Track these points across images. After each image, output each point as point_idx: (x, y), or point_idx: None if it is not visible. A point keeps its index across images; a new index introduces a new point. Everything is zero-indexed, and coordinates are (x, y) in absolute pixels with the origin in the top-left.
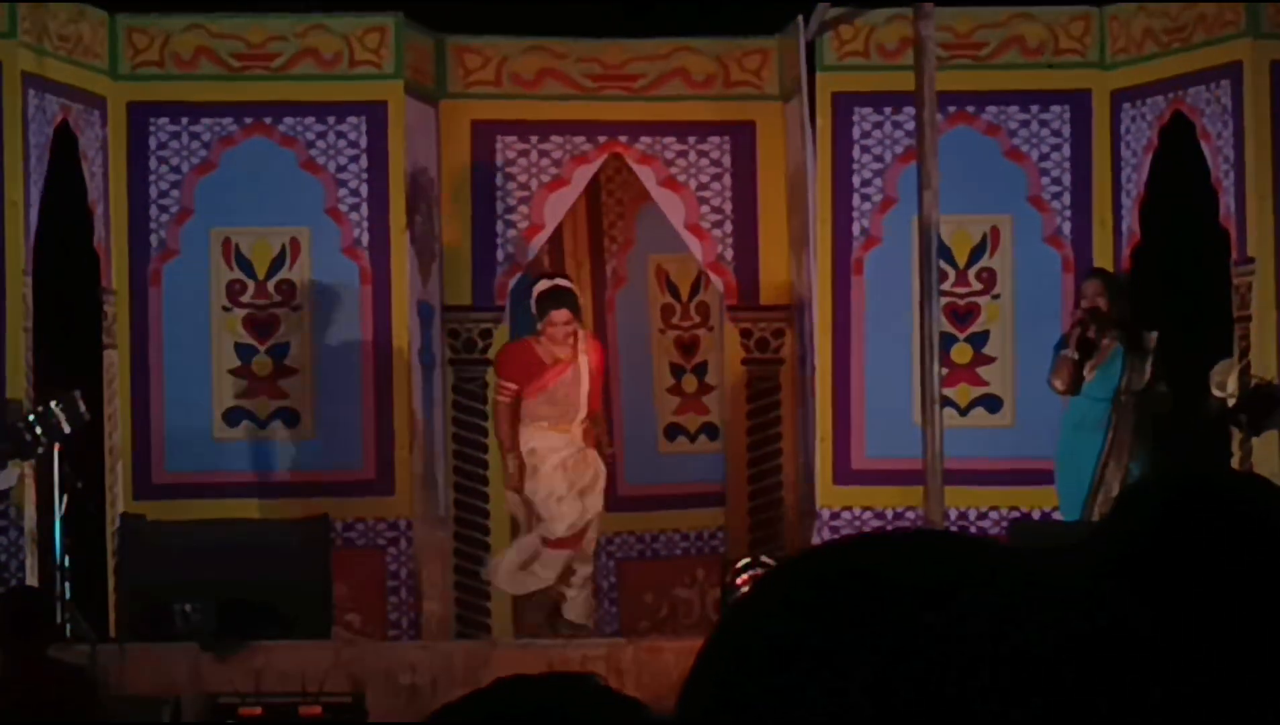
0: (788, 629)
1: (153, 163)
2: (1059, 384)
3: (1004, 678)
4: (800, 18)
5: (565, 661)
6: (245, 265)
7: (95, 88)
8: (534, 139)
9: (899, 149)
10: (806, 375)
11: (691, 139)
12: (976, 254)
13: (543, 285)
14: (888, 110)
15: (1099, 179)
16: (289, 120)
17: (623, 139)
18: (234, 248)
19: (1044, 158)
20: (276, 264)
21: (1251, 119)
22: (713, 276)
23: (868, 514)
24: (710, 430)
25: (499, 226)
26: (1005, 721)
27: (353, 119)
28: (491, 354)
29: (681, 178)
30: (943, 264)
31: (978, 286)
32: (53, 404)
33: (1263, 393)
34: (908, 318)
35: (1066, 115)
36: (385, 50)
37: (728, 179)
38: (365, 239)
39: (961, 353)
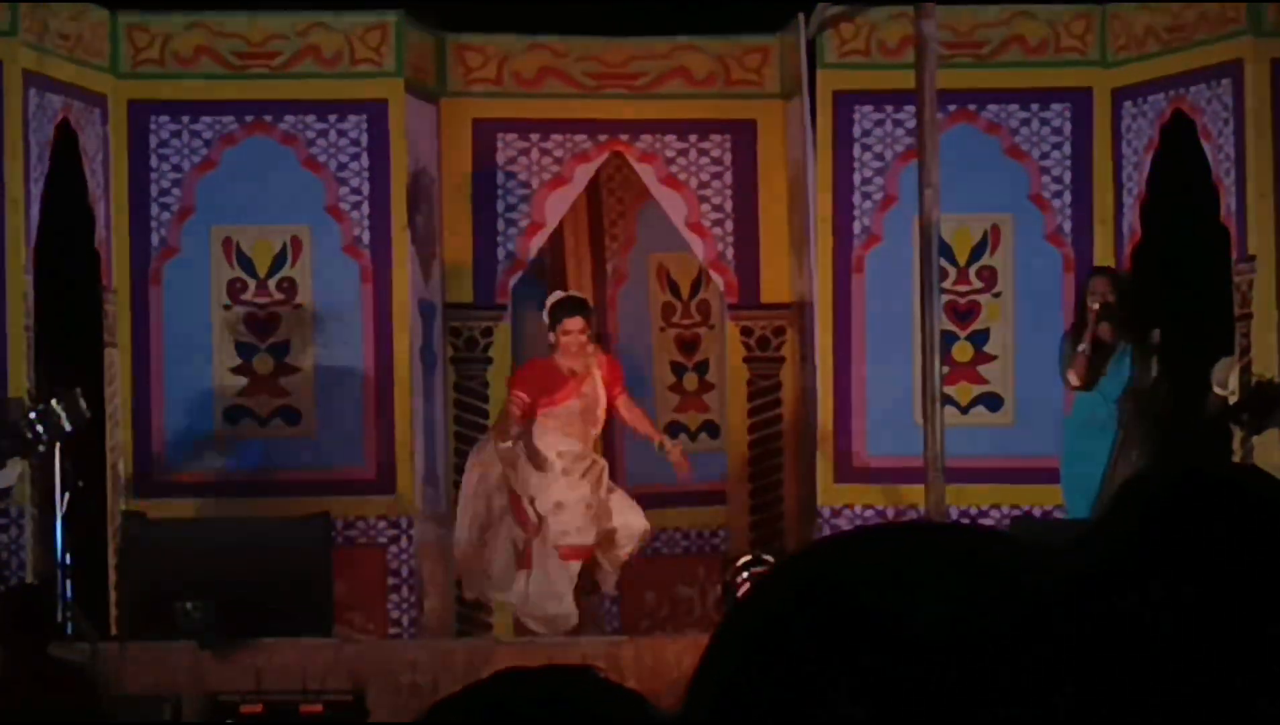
0: (791, 626)
1: (154, 161)
2: (1075, 379)
3: (1003, 675)
4: (801, 16)
5: (566, 660)
6: (246, 263)
7: (96, 86)
8: (535, 137)
9: (900, 147)
10: (807, 373)
11: (692, 137)
12: (977, 252)
13: (556, 295)
14: (889, 108)
15: (1100, 177)
16: (290, 118)
17: (624, 137)
18: (235, 246)
19: (1045, 156)
20: (277, 262)
21: (1252, 117)
22: (713, 275)
23: (869, 512)
24: (711, 428)
25: (500, 225)
26: (1003, 718)
27: (354, 117)
28: (493, 353)
29: (682, 176)
30: (943, 262)
31: (978, 285)
32: (54, 402)
33: (1264, 391)
34: (908, 316)
35: (1067, 113)
36: (386, 49)
37: (728, 177)
38: (366, 237)
39: (962, 351)
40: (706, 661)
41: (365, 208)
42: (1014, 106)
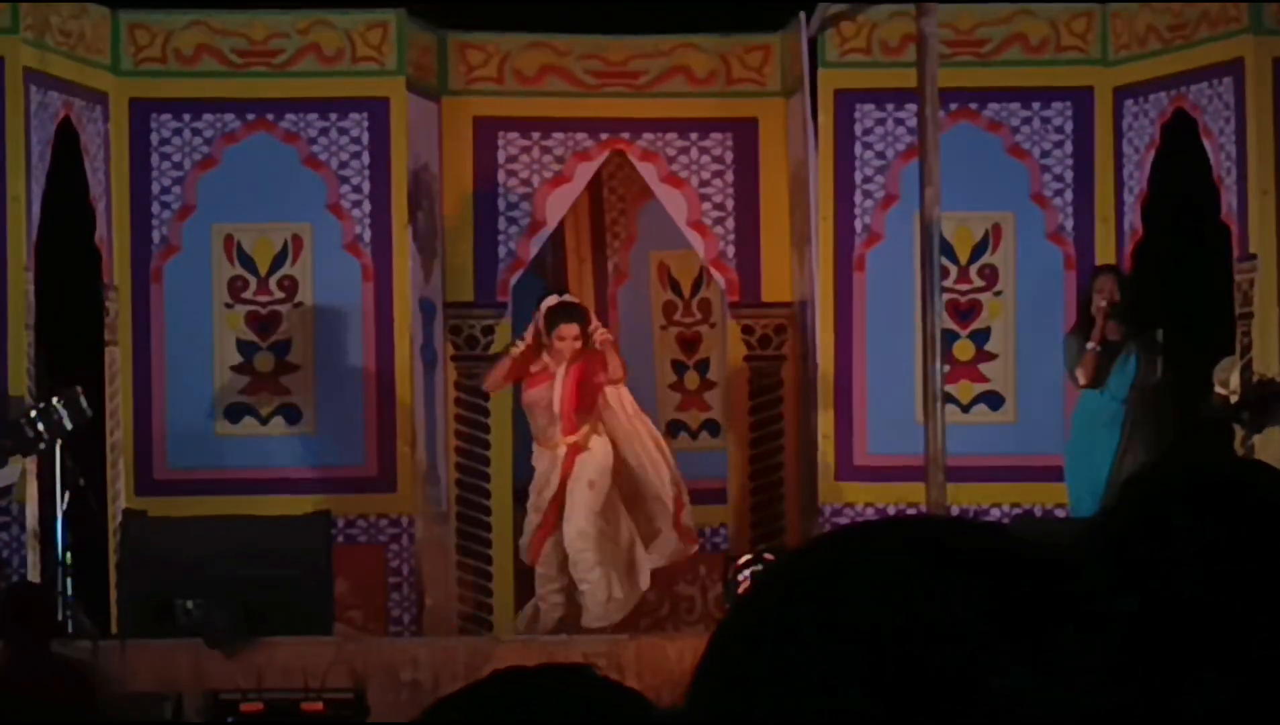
0: (792, 623)
1: (155, 159)
2: (1083, 378)
3: (1004, 670)
4: (802, 14)
5: (566, 658)
6: (247, 262)
7: (98, 84)
8: (536, 135)
9: (901, 146)
10: (808, 372)
11: (693, 135)
12: (978, 251)
13: (550, 300)
14: (890, 107)
15: (1101, 176)
16: (291, 116)
17: (625, 136)
18: (236, 244)
19: (1046, 155)
20: (278, 260)
21: (1254, 116)
22: (715, 273)
23: (870, 511)
24: (712, 427)
25: (501, 223)
26: (1006, 713)
27: (355, 115)
28: (494, 352)
29: (683, 174)
30: (945, 261)
31: (980, 283)
32: (55, 400)
33: (1265, 390)
34: (910, 314)
35: (1069, 112)
36: (387, 46)
37: (730, 176)
38: (367, 235)
39: (963, 349)
40: (707, 659)
41: (366, 206)
42: (1015, 105)
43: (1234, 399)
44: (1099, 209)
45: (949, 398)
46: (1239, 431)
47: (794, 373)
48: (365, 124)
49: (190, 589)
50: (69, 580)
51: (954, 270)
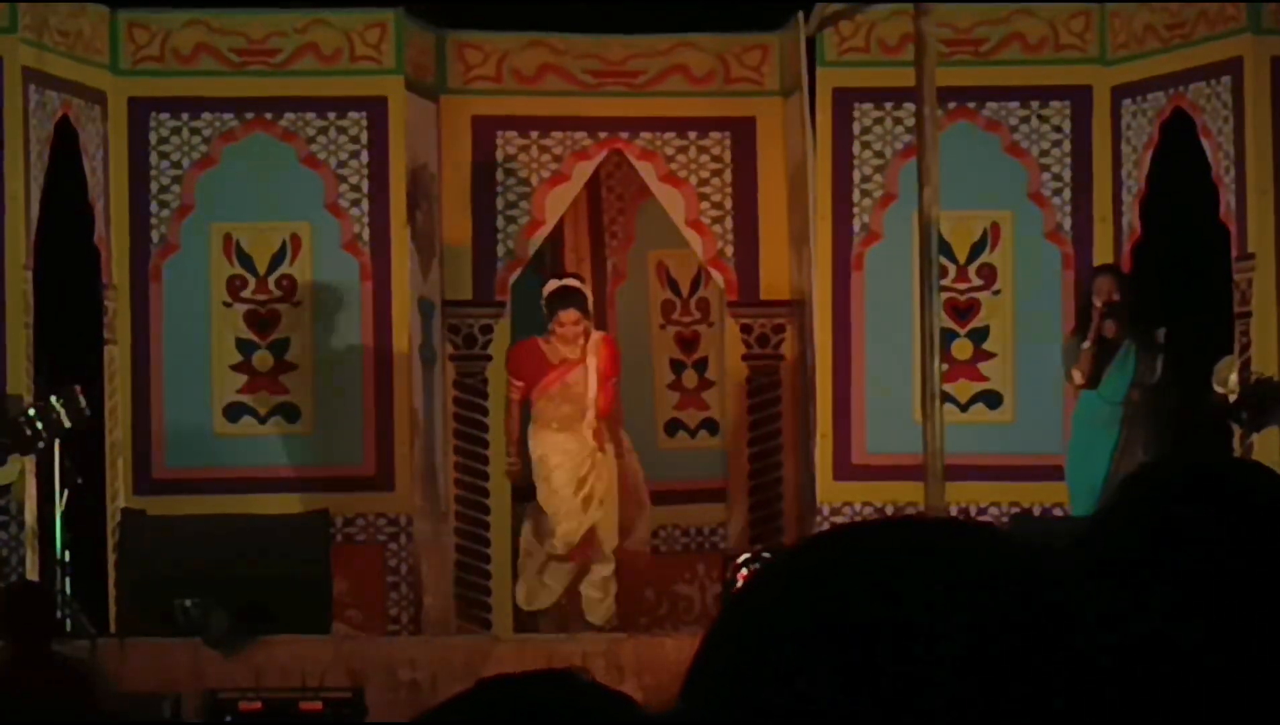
0: (786, 622)
1: (153, 158)
2: (1079, 377)
3: (1000, 671)
4: (801, 14)
5: (565, 657)
6: (246, 261)
7: (96, 83)
8: (534, 134)
9: (899, 145)
10: (807, 371)
11: (692, 135)
12: (977, 250)
13: (552, 285)
14: (888, 106)
15: (1099, 175)
16: (290, 116)
17: (623, 135)
18: (235, 243)
19: (1044, 154)
20: (277, 259)
21: (1252, 115)
22: (713, 272)
23: (868, 510)
24: (710, 426)
25: (499, 222)
26: (999, 714)
27: (353, 114)
28: (493, 350)
29: (682, 174)
30: (943, 260)
31: (978, 282)
32: (53, 399)
33: (1263, 389)
34: (908, 313)
35: (1067, 111)
36: (386, 46)
37: (728, 175)
38: (366, 234)
39: (962, 348)
40: (700, 660)
41: (365, 205)
42: (1014, 104)
43: (1232, 398)
44: (1097, 208)
45: (947, 397)
46: (1237, 431)
47: (792, 372)
48: (364, 123)
49: (189, 588)
50: (67, 579)
51: (952, 269)
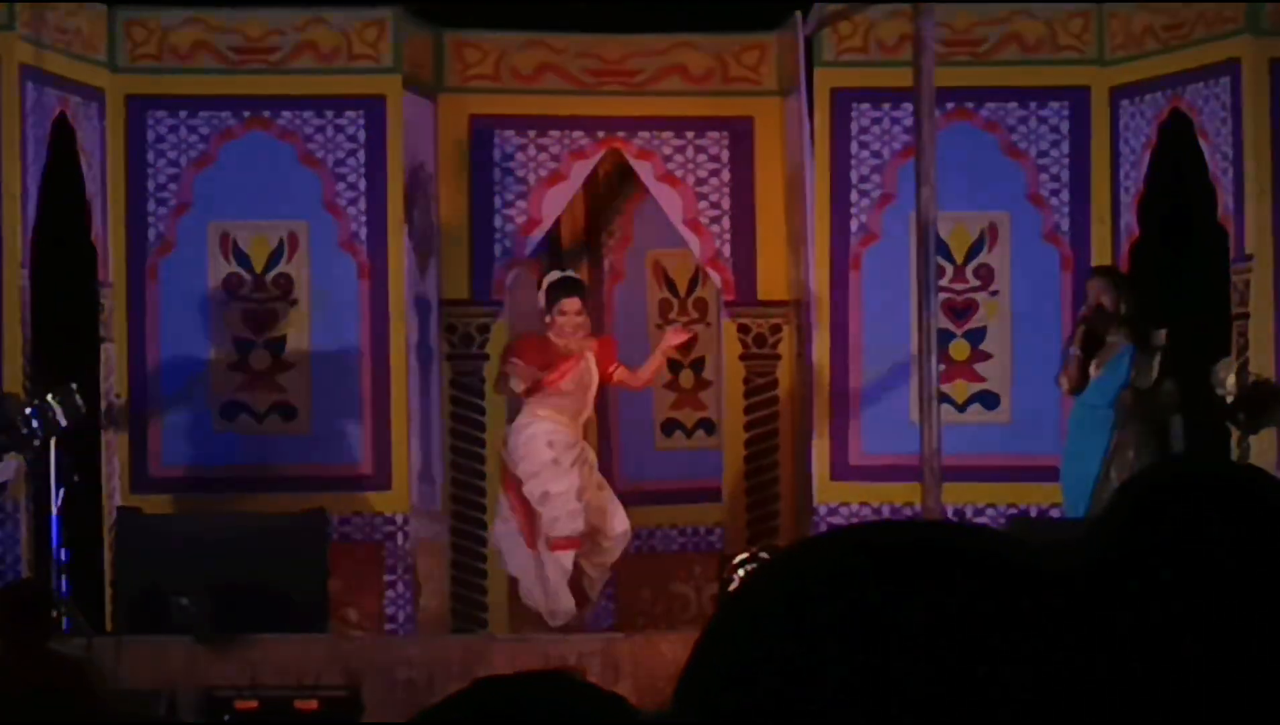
0: (782, 623)
1: (151, 156)
2: (1064, 383)
3: (996, 672)
4: (799, 13)
5: (561, 656)
6: (243, 259)
7: (94, 81)
8: (532, 133)
9: (897, 145)
10: (804, 371)
11: (689, 134)
12: (975, 250)
13: (553, 275)
14: (886, 106)
15: (1097, 176)
16: (287, 114)
17: (621, 134)
18: (232, 241)
19: (1043, 154)
20: (274, 258)
21: (1250, 116)
22: (710, 272)
23: (865, 510)
24: (707, 426)
25: (497, 221)
26: (996, 715)
27: (351, 113)
28: (490, 350)
29: (679, 173)
30: (941, 260)
31: (976, 283)
32: (50, 397)
33: (1261, 390)
34: (905, 314)
35: (1065, 112)
36: (384, 44)
37: (726, 175)
38: (363, 233)
39: (959, 349)
40: (694, 660)
41: (362, 203)
42: (1012, 105)
43: (1230, 399)
44: (1095, 209)
45: (944, 397)
46: (1235, 432)
47: (789, 372)
48: (361, 122)
49: (185, 586)
50: (63, 577)
51: (950, 270)
